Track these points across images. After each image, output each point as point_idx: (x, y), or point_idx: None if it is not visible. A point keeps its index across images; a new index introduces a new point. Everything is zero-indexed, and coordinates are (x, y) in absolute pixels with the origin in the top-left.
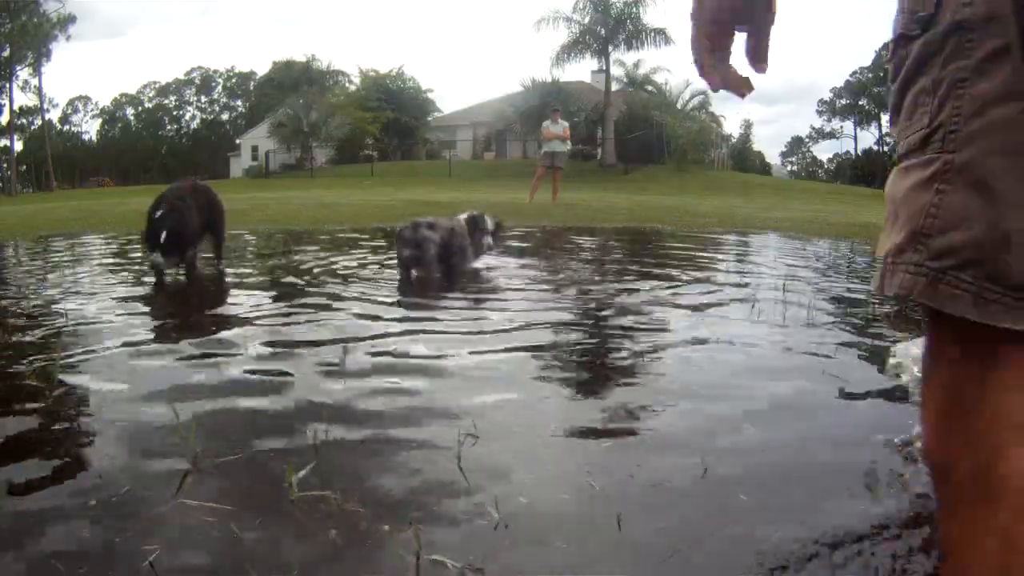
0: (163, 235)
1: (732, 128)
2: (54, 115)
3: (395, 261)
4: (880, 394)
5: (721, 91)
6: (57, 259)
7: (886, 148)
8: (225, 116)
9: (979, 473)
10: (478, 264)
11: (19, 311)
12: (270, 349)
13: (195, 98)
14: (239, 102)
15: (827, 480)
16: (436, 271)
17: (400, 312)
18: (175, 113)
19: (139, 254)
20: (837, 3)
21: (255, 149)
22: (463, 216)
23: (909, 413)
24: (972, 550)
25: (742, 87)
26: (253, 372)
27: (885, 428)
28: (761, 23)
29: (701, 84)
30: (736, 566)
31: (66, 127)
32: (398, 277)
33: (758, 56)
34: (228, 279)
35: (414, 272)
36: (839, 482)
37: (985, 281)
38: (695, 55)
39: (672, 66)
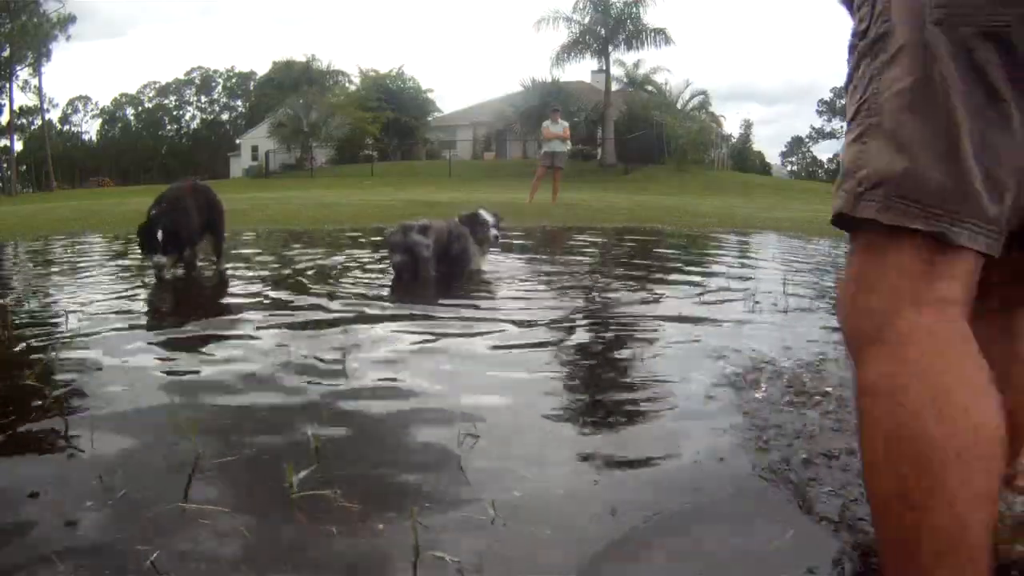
0: (160, 234)
1: (732, 128)
2: (54, 115)
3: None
4: None
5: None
6: (57, 259)
7: None
8: (225, 116)
9: (882, 328)
10: (484, 265)
11: (19, 311)
12: (270, 349)
13: (195, 98)
14: (239, 102)
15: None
16: (433, 270)
17: (400, 313)
18: (175, 113)
19: (139, 254)
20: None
21: (255, 149)
22: (457, 217)
23: None
24: (882, 381)
25: None
26: (253, 372)
27: None
28: None
29: (701, 84)
30: (738, 565)
31: (66, 127)
32: (396, 279)
33: None
34: (227, 279)
35: (408, 276)
36: None
37: (893, 197)
38: None
39: (672, 66)
